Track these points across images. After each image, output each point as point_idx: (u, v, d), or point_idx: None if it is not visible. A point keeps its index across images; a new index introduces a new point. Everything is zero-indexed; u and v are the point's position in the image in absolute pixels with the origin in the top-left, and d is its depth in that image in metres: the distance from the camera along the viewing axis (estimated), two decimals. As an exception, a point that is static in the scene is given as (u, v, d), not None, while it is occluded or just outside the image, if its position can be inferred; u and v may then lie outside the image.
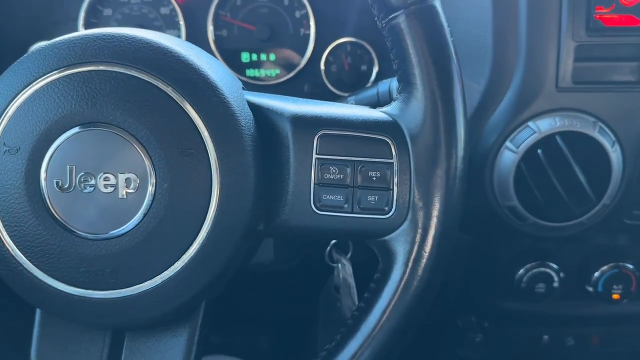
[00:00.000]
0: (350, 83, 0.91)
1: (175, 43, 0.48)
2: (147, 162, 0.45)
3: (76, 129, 0.45)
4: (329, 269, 0.76)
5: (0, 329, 0.95)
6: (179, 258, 0.46)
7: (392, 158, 0.48)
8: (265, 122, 0.49)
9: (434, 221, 0.48)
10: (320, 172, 0.48)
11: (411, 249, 0.48)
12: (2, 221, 0.46)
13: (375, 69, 0.91)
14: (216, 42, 0.92)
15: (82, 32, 0.47)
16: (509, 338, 0.98)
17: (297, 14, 0.91)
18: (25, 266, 0.46)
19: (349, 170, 0.48)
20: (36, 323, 0.52)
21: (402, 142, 0.48)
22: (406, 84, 0.48)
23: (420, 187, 0.48)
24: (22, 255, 0.46)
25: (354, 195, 0.48)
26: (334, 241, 0.75)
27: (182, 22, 0.90)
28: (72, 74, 0.45)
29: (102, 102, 0.45)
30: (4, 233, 0.46)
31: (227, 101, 0.47)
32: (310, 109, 0.50)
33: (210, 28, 0.91)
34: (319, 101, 0.52)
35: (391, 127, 0.48)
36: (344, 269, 0.73)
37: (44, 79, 0.45)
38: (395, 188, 0.48)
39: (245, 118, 0.48)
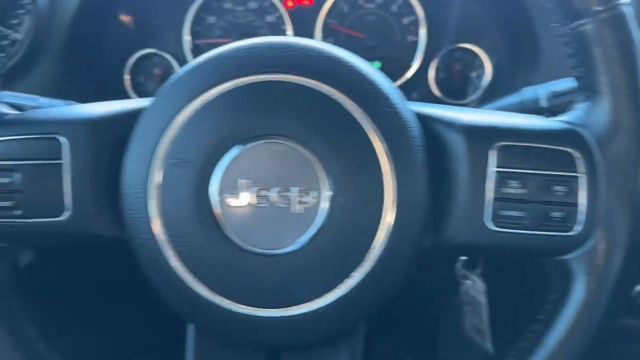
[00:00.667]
0: (459, 91, 0.88)
1: (345, 53, 0.46)
2: (323, 176, 0.43)
3: (249, 142, 0.43)
4: (452, 284, 0.73)
5: (151, 345, 0.94)
6: (350, 275, 0.44)
7: (578, 171, 0.45)
8: (432, 134, 0.47)
9: (621, 241, 0.45)
10: (498, 185, 0.45)
11: (595, 270, 0.45)
12: (169, 237, 0.45)
13: (487, 77, 0.88)
14: (322, 50, 0.90)
15: (252, 40, 0.46)
16: (616, 355, 0.93)
17: (405, 21, 0.89)
18: (188, 284, 0.45)
19: (530, 184, 0.45)
20: (190, 341, 0.51)
21: (588, 154, 0.45)
22: (592, 93, 0.45)
23: (610, 202, 0.44)
24: (187, 272, 0.45)
25: (535, 210, 0.45)
26: (463, 257, 0.72)
27: (289, 31, 0.89)
28: (246, 83, 0.44)
29: (278, 114, 0.43)
30: (170, 249, 0.45)
31: (399, 112, 0.45)
32: (484, 118, 0.47)
33: (318, 36, 0.89)
34: (491, 111, 0.50)
35: (575, 138, 0.45)
36: (474, 286, 0.70)
37: (216, 88, 0.44)
38: (581, 203, 0.45)
39: (417, 130, 0.46)
